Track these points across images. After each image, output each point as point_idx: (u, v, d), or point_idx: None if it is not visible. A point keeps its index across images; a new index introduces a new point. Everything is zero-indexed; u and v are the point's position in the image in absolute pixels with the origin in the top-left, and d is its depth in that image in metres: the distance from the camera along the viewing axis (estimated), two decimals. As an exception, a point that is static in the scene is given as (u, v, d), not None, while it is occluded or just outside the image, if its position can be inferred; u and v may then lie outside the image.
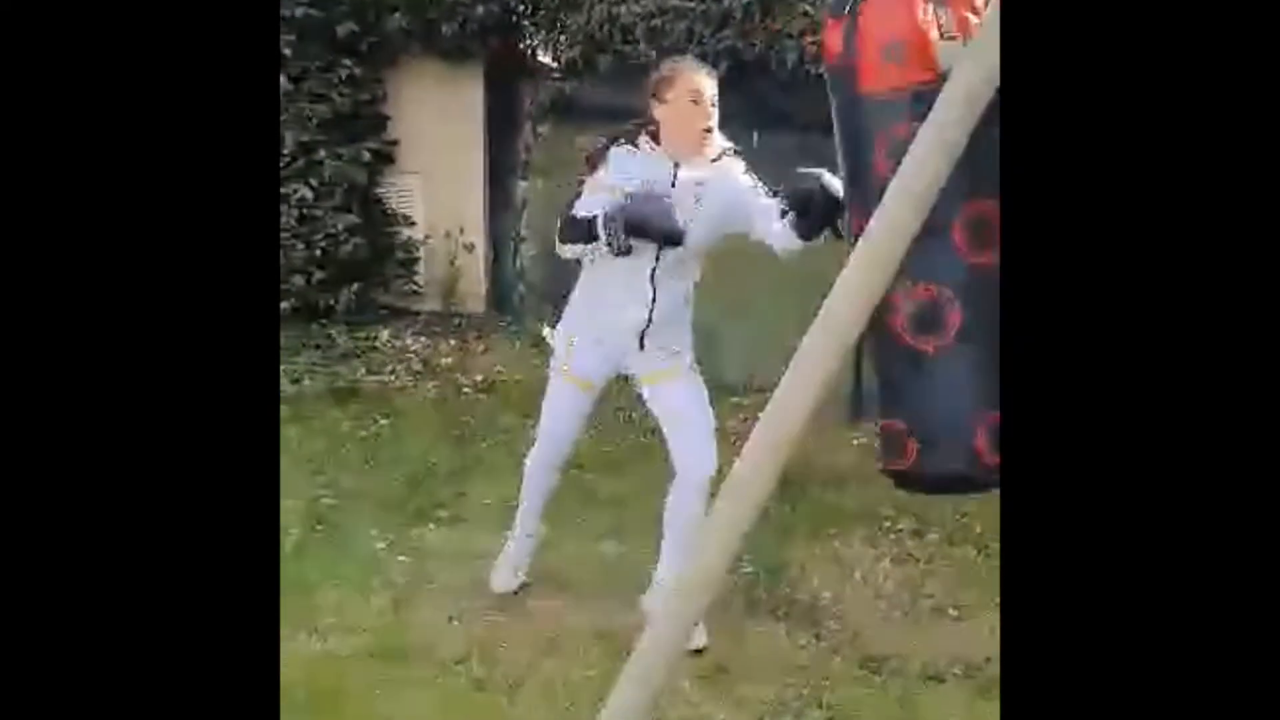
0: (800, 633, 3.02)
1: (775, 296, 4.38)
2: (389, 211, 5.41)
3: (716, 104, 2.82)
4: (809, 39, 4.09)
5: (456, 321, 5.41)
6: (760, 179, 2.84)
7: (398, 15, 4.94)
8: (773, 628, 3.05)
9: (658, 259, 2.79)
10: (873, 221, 1.81)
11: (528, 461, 3.15)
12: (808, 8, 4.04)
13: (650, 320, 2.85)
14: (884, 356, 2.01)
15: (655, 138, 2.84)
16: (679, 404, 2.91)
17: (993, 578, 3.33)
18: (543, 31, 4.89)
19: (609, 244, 2.66)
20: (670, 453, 2.93)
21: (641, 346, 2.88)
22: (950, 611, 3.15)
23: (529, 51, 5.00)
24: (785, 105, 4.31)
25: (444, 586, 3.23)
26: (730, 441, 4.23)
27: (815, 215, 2.56)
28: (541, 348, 5.29)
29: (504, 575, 3.20)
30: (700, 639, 2.82)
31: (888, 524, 3.66)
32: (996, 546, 3.50)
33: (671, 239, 2.69)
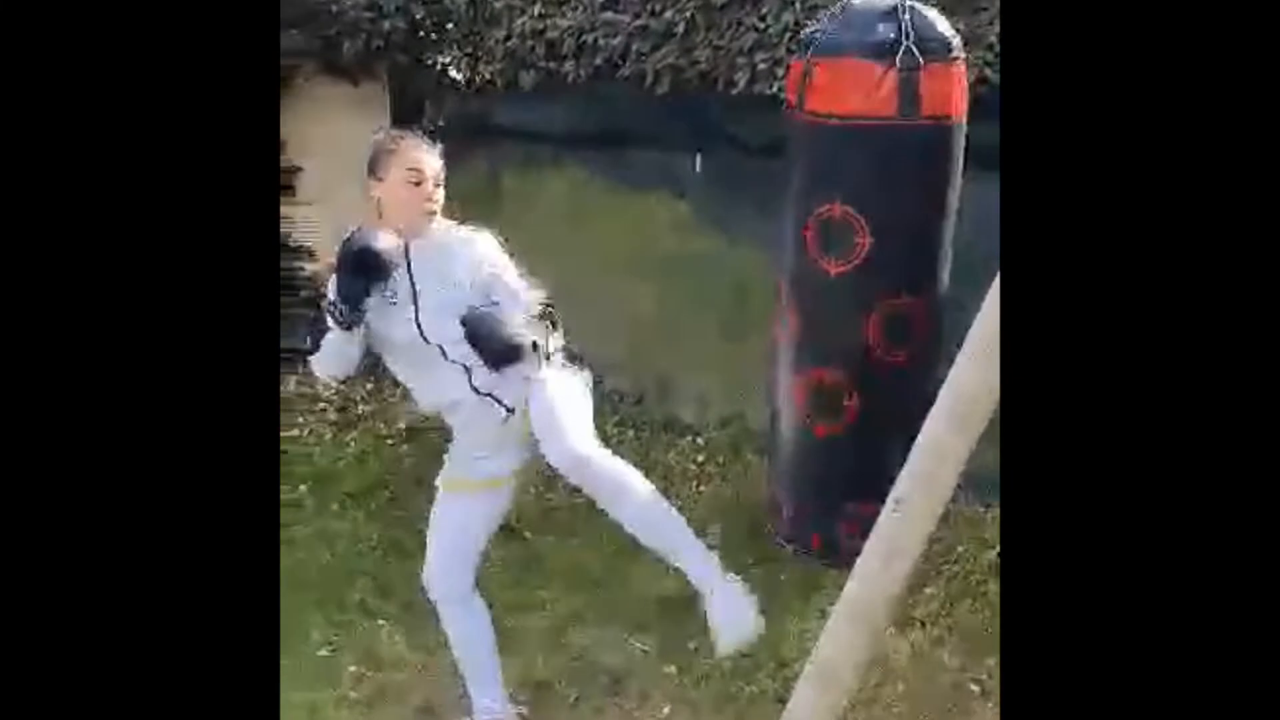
0: None
1: (726, 339, 4.11)
2: (290, 245, 4.94)
3: (442, 183, 2.42)
4: (760, 56, 3.80)
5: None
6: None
7: (294, 32, 4.47)
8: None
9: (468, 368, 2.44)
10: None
11: None
12: (758, 24, 3.74)
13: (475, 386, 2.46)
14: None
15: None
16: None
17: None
18: (455, 48, 4.49)
19: (337, 321, 2.36)
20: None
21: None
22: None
23: (441, 70, 4.59)
24: (732, 128, 4.03)
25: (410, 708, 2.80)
26: (692, 483, 3.96)
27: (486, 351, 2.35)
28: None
29: None
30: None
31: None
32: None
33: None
